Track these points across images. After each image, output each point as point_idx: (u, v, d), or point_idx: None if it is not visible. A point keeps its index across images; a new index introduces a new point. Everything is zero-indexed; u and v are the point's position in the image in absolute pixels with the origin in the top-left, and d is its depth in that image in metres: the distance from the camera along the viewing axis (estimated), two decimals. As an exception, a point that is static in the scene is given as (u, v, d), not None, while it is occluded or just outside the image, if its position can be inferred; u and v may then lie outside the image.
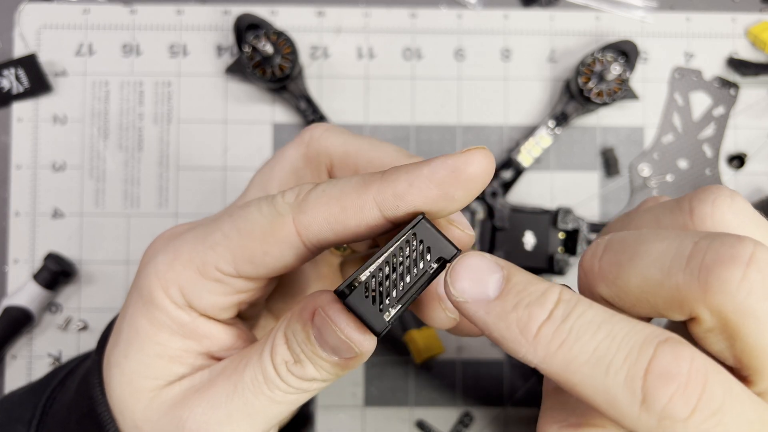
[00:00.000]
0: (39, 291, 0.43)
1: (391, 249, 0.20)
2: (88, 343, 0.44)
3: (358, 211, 0.21)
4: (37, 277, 0.43)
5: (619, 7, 0.47)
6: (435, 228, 0.20)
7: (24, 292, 0.43)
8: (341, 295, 0.20)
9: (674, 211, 0.21)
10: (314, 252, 0.22)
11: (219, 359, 0.24)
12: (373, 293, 0.20)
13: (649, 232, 0.19)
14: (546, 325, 0.18)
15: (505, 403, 0.45)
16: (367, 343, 0.21)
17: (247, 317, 0.28)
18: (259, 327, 0.30)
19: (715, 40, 0.47)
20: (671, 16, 0.47)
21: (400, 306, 0.20)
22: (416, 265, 0.20)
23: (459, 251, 0.20)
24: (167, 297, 0.23)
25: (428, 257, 0.20)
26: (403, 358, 0.44)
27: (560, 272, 0.43)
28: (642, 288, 0.18)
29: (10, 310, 0.43)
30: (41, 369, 0.44)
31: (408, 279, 0.20)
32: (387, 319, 0.20)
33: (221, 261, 0.22)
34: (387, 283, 0.20)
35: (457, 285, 0.19)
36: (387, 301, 0.20)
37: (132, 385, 0.23)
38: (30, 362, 0.44)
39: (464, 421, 0.44)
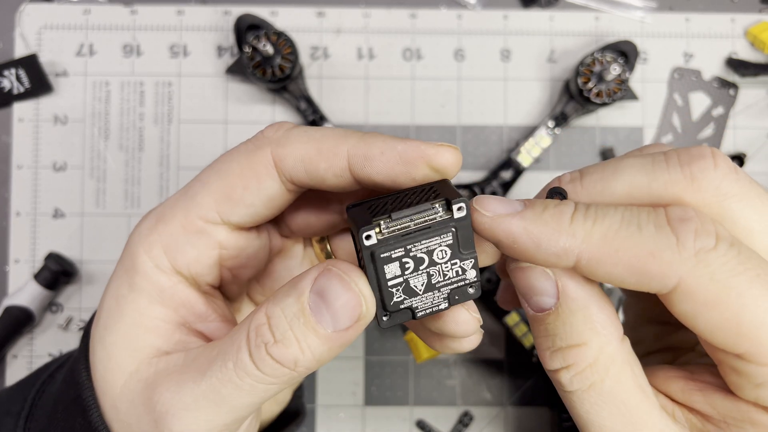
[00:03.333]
0: (40, 291, 0.43)
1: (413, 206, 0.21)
2: (88, 342, 0.44)
3: (330, 156, 0.22)
4: (37, 276, 0.43)
5: (619, 7, 0.47)
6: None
7: (25, 292, 0.43)
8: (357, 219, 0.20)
9: (664, 168, 0.22)
10: (290, 192, 0.24)
11: (199, 335, 0.24)
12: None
13: (621, 157, 0.23)
14: (576, 213, 0.21)
15: (504, 403, 0.45)
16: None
17: (229, 297, 0.28)
18: (242, 314, 0.30)
19: (715, 40, 0.47)
20: (670, 17, 0.47)
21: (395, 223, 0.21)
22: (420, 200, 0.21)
23: (464, 196, 0.21)
24: (150, 259, 0.23)
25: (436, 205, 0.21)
26: (403, 358, 0.45)
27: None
28: (629, 193, 0.22)
29: (11, 310, 0.43)
30: (42, 369, 0.44)
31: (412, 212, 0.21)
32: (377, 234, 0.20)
33: (203, 208, 0.23)
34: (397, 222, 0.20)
35: (489, 207, 0.21)
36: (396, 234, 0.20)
37: (112, 361, 0.23)
38: (31, 362, 0.44)
39: (464, 420, 0.44)
